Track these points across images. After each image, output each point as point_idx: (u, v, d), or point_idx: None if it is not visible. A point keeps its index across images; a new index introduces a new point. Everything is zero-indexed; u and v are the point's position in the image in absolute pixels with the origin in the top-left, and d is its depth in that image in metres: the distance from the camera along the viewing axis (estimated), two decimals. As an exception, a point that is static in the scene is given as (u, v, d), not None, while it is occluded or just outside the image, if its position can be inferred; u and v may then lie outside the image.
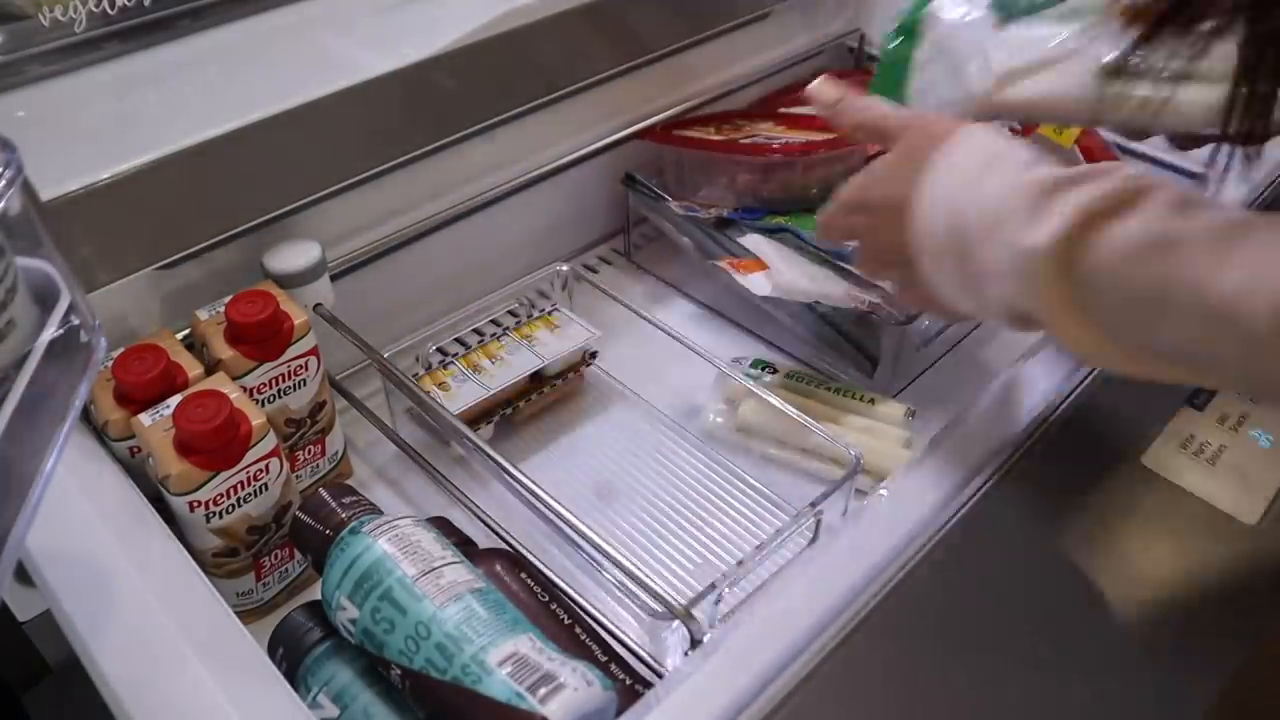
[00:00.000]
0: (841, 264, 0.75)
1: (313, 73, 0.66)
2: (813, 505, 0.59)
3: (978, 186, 0.46)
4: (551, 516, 0.56)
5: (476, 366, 0.71)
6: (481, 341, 0.74)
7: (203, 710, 0.41)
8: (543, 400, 0.74)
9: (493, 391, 0.69)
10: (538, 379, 0.74)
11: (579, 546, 0.56)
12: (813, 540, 0.62)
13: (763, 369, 0.74)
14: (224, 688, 0.42)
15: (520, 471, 0.58)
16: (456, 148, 0.75)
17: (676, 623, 0.51)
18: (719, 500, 0.68)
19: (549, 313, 0.76)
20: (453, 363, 0.72)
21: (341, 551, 0.47)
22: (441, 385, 0.70)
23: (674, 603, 0.51)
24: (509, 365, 0.72)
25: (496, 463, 0.59)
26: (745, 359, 0.76)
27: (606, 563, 0.54)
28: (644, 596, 0.52)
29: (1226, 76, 0.44)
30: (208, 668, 0.43)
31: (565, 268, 0.81)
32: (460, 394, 0.69)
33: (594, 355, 0.77)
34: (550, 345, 0.73)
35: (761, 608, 0.47)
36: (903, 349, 0.74)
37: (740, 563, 0.56)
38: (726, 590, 0.55)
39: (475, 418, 0.71)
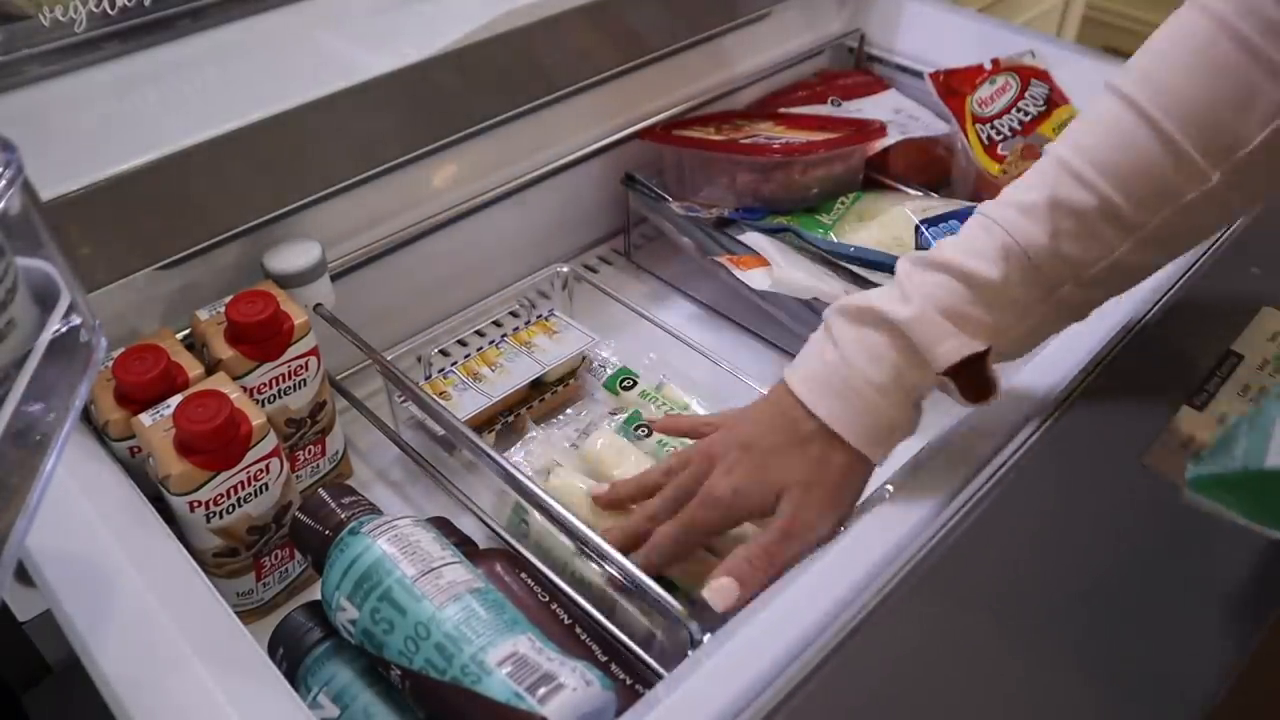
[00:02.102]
0: (842, 263, 0.75)
1: (313, 73, 0.66)
2: None
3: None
4: (557, 520, 0.56)
5: (476, 374, 0.71)
6: (482, 349, 0.74)
7: (203, 710, 0.41)
8: (543, 406, 0.74)
9: (494, 400, 0.69)
10: (537, 385, 0.73)
11: (584, 551, 0.56)
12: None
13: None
14: (224, 688, 0.42)
15: (525, 475, 0.58)
16: (456, 148, 0.75)
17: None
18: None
19: (546, 317, 0.76)
20: (452, 371, 0.72)
21: (341, 552, 0.47)
22: (442, 395, 0.70)
23: (672, 606, 0.51)
24: (509, 373, 0.72)
25: (500, 465, 0.59)
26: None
27: (610, 567, 0.54)
28: (645, 600, 0.52)
29: None
30: (208, 668, 0.43)
31: (565, 269, 0.81)
32: (462, 402, 0.69)
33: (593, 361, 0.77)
34: (549, 351, 0.73)
35: (762, 607, 0.47)
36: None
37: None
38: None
39: (477, 426, 0.70)
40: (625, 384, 0.71)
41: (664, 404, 0.69)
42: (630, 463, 0.62)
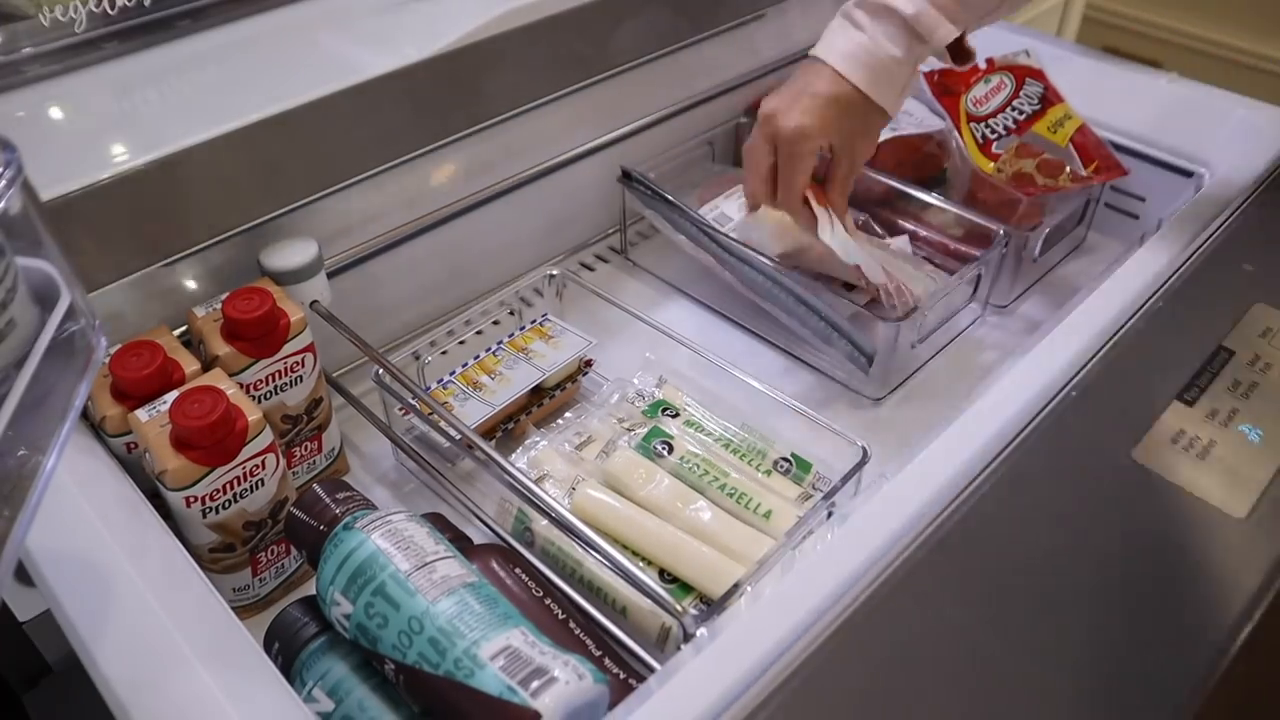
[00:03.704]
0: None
1: (313, 73, 0.67)
2: (826, 498, 0.60)
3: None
4: (560, 521, 0.57)
5: (476, 383, 0.71)
6: (479, 357, 0.74)
7: (201, 707, 0.42)
8: (542, 412, 0.74)
9: (497, 409, 0.69)
10: (536, 390, 0.74)
11: (587, 551, 0.56)
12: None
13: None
14: (221, 684, 0.42)
15: (532, 481, 0.58)
16: (455, 146, 0.75)
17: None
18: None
19: (540, 323, 0.76)
20: (452, 381, 0.72)
21: (335, 547, 0.48)
22: (444, 406, 0.70)
23: (668, 603, 0.51)
24: (509, 381, 0.71)
25: (496, 461, 0.59)
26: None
27: (615, 570, 0.54)
28: (643, 597, 0.53)
29: None
30: (205, 665, 0.43)
31: (556, 272, 0.80)
32: (465, 413, 0.69)
33: (590, 363, 0.77)
34: (548, 357, 0.73)
35: (754, 600, 0.47)
36: (899, 344, 0.75)
37: (761, 562, 0.56)
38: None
39: (480, 435, 0.71)
40: (668, 412, 0.69)
41: (707, 433, 0.68)
42: (655, 481, 0.61)
